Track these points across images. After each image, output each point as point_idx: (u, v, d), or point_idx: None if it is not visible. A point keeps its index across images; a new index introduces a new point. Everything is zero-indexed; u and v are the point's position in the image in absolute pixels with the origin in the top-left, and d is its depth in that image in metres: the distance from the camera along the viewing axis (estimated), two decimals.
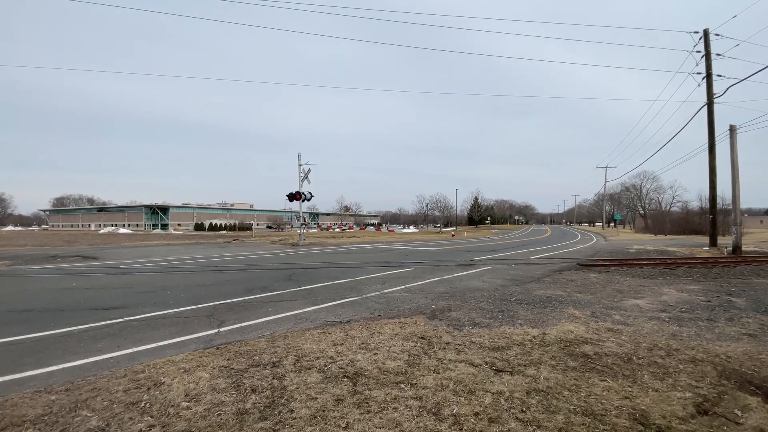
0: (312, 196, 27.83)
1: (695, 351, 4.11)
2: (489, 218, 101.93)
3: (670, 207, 66.54)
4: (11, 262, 15.05)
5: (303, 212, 30.29)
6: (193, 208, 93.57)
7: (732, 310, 6.12)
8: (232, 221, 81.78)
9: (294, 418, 2.69)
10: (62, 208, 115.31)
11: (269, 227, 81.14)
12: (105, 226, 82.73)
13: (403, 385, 3.22)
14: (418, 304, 6.68)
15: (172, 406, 2.91)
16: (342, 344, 4.33)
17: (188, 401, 2.98)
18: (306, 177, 27.63)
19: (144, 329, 5.22)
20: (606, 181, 61.11)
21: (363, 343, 4.34)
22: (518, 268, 12.02)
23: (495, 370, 3.58)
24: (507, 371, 3.54)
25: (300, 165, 27.64)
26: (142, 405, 2.93)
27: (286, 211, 79.95)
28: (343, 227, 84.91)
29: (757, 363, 3.77)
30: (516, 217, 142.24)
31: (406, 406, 2.86)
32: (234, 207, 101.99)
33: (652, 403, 2.92)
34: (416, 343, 4.36)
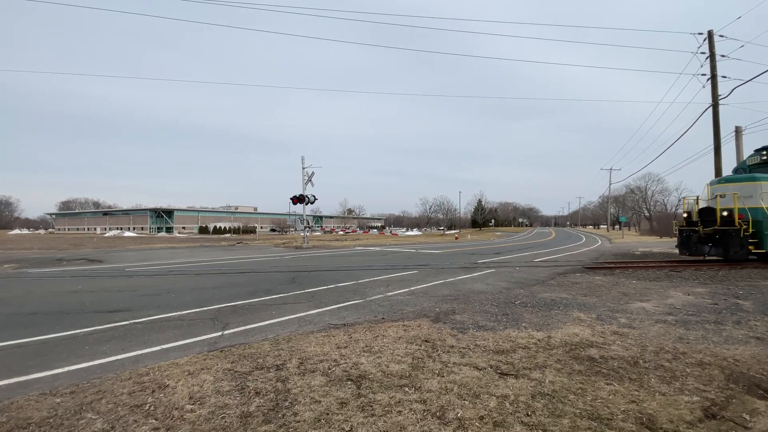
0: (315, 199, 27.94)
1: (702, 354, 4.06)
2: (493, 221, 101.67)
3: (676, 209, 66.09)
4: (18, 266, 15.17)
5: (306, 215, 30.35)
6: (198, 211, 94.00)
7: (739, 312, 6.05)
8: (236, 224, 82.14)
9: (298, 421, 2.69)
10: (68, 211, 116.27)
11: (273, 230, 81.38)
12: (110, 229, 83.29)
13: (407, 389, 3.21)
14: (422, 307, 6.65)
15: (177, 408, 2.91)
16: (346, 347, 4.32)
17: (192, 404, 2.98)
18: (309, 180, 27.71)
19: (148, 332, 5.24)
20: (610, 183, 60.72)
21: (367, 346, 4.33)
22: (522, 270, 11.96)
23: (500, 373, 3.55)
24: (512, 375, 3.51)
25: (303, 168, 27.74)
26: (147, 407, 2.94)
27: (289, 214, 79.99)
28: (347, 230, 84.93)
29: (766, 366, 3.72)
30: (520, 220, 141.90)
31: (410, 409, 2.85)
32: (238, 210, 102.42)
33: (659, 407, 2.89)
34: (420, 346, 4.35)
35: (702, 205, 14.52)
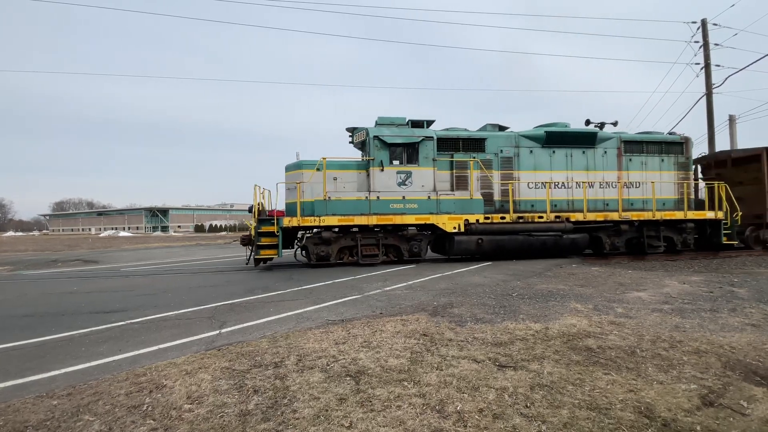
0: None
1: (699, 342, 4.09)
2: None
3: None
4: (12, 268, 15.04)
5: None
6: (193, 209, 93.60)
7: (735, 300, 6.10)
8: (232, 222, 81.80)
9: (297, 419, 2.68)
10: (62, 212, 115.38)
11: None
12: (105, 229, 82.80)
13: (406, 383, 3.21)
14: (419, 300, 6.66)
15: (174, 408, 2.89)
16: (344, 343, 4.31)
17: (190, 403, 2.96)
18: None
19: (145, 332, 5.20)
20: None
21: (365, 342, 4.32)
22: (519, 262, 11.99)
23: (498, 365, 3.56)
24: (510, 367, 3.52)
25: None
26: (144, 408, 2.92)
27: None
28: None
29: (762, 353, 3.75)
30: None
31: (410, 403, 2.84)
32: (234, 208, 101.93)
33: (656, 395, 2.90)
34: (418, 340, 4.35)
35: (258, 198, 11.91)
